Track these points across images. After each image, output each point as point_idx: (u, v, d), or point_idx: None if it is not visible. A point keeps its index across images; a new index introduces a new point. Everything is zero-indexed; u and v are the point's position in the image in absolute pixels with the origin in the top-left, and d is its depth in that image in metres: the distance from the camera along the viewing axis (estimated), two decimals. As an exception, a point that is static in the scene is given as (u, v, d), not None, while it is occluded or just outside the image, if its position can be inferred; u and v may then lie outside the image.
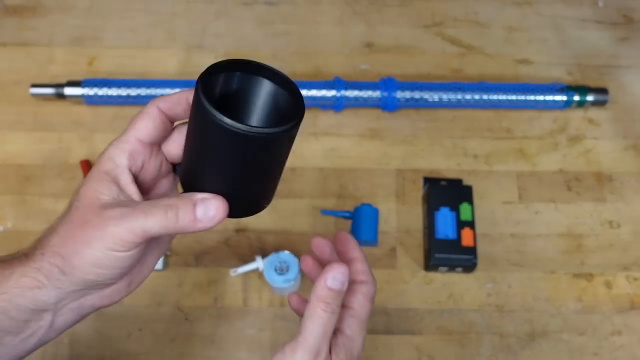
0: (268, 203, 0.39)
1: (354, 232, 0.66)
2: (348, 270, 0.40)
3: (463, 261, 0.64)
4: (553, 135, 0.75)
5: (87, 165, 0.70)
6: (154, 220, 0.34)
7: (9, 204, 0.69)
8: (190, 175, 0.37)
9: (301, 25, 0.83)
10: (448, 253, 0.63)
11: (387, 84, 0.74)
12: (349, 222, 0.68)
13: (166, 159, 0.39)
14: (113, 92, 0.73)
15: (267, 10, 0.84)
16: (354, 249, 0.47)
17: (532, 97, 0.75)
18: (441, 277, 0.66)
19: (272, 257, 0.63)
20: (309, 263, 0.49)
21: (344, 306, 0.43)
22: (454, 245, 0.64)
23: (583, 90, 0.75)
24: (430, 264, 0.64)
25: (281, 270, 0.63)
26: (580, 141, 0.75)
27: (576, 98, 0.75)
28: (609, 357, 0.63)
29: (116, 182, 0.36)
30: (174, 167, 0.40)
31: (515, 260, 0.67)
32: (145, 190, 0.39)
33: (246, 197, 0.37)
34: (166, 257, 0.66)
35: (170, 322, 0.63)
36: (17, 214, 0.69)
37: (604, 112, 0.77)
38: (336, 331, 0.41)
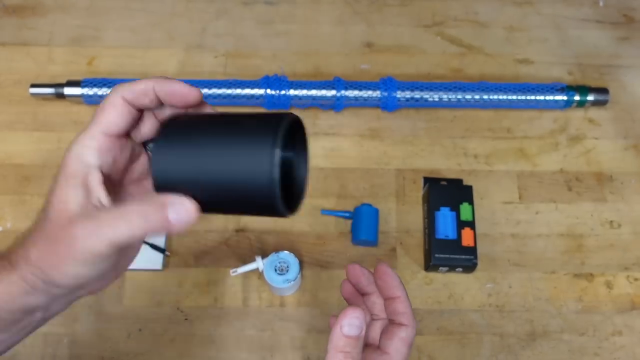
0: None
1: (354, 232, 0.66)
2: (364, 314, 0.38)
3: (463, 261, 0.64)
4: (553, 135, 0.75)
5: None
6: (122, 230, 0.33)
7: (8, 204, 0.69)
8: (177, 183, 0.34)
9: (301, 25, 0.83)
10: (448, 253, 0.63)
11: (387, 83, 0.74)
12: (349, 222, 0.68)
13: (137, 143, 0.38)
14: (113, 92, 0.73)
15: (267, 10, 0.84)
16: (395, 287, 0.43)
17: (532, 97, 0.75)
18: (441, 277, 0.66)
19: (272, 257, 0.63)
20: (348, 290, 0.46)
21: (379, 348, 0.41)
22: (454, 245, 0.64)
23: (583, 90, 0.75)
24: (430, 264, 0.64)
25: (281, 271, 0.62)
26: (580, 141, 0.75)
27: (577, 98, 0.75)
28: (610, 357, 0.62)
29: (84, 184, 0.34)
30: (144, 144, 0.39)
31: (515, 260, 0.67)
32: (118, 181, 0.38)
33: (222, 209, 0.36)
34: (166, 257, 0.66)
35: (170, 322, 0.63)
36: (17, 214, 0.69)
37: (605, 112, 0.77)
38: None
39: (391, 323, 0.42)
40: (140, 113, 0.37)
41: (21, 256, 0.35)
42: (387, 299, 0.43)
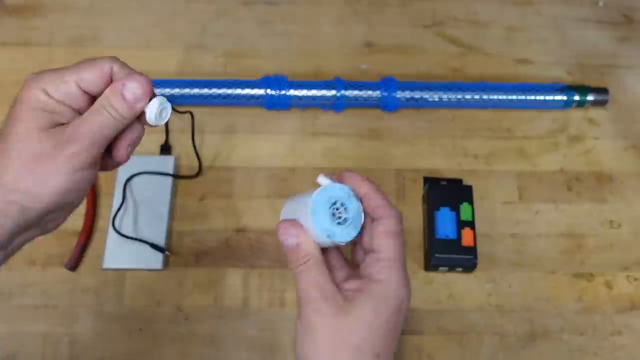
0: None
1: (354, 232, 0.66)
2: (296, 224, 0.41)
3: (463, 261, 0.64)
4: (553, 135, 0.75)
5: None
6: (100, 124, 0.37)
7: (8, 204, 0.69)
8: None
9: (301, 25, 0.83)
10: (448, 253, 0.63)
11: (387, 84, 0.74)
12: (349, 222, 0.68)
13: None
14: (113, 92, 0.73)
15: (267, 10, 0.84)
16: (361, 184, 0.41)
17: (532, 97, 0.75)
18: (441, 277, 0.66)
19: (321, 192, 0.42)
20: None
21: (367, 251, 0.41)
22: (454, 245, 0.64)
23: (583, 90, 0.75)
24: (430, 264, 0.64)
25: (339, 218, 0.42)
26: (580, 141, 0.75)
27: (576, 98, 0.75)
28: (609, 357, 0.63)
29: (51, 113, 0.37)
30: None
31: (515, 260, 0.67)
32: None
33: None
34: (166, 257, 0.66)
35: (170, 322, 0.63)
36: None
37: (604, 112, 0.77)
38: (365, 278, 0.40)
39: (372, 221, 0.42)
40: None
41: None
42: (362, 200, 0.42)
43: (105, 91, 0.37)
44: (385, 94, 0.74)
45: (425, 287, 0.66)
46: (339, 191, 0.42)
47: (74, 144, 0.36)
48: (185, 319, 0.64)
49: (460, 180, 0.70)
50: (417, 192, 0.71)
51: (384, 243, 0.40)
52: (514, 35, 0.83)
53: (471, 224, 0.65)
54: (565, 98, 0.75)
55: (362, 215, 0.42)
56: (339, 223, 0.41)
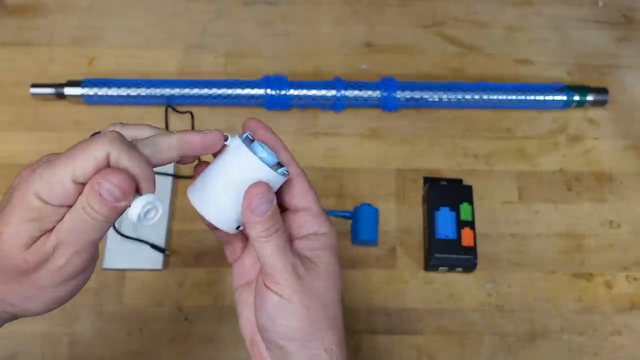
0: None
1: (354, 232, 0.66)
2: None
3: (463, 261, 0.64)
4: (553, 135, 0.75)
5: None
6: (83, 229, 0.33)
7: (9, 204, 0.69)
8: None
9: (301, 25, 0.83)
10: (448, 253, 0.63)
11: (387, 84, 0.74)
12: (348, 222, 0.68)
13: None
14: (113, 92, 0.73)
15: (267, 10, 0.84)
16: (273, 140, 0.40)
17: (532, 97, 0.75)
18: (441, 277, 0.66)
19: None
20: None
21: (295, 210, 0.40)
22: (454, 245, 0.64)
23: (583, 90, 0.75)
24: (430, 264, 0.64)
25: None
26: (580, 141, 0.75)
27: (576, 98, 0.75)
28: (609, 357, 0.63)
29: (43, 219, 0.33)
30: None
31: (515, 260, 0.67)
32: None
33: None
34: (166, 257, 0.66)
35: (170, 322, 0.63)
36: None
37: (604, 112, 0.77)
38: (312, 235, 0.40)
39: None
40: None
41: None
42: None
43: (85, 188, 0.32)
44: (385, 94, 0.74)
45: (425, 287, 0.66)
46: (245, 139, 0.38)
47: (57, 258, 0.33)
48: (185, 319, 0.64)
49: (460, 180, 0.70)
50: (417, 192, 0.71)
51: (310, 199, 0.40)
52: (514, 35, 0.83)
53: (471, 224, 0.65)
54: (565, 98, 0.75)
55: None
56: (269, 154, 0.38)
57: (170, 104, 0.74)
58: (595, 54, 0.81)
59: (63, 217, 0.33)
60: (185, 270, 0.66)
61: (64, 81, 0.74)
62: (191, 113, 0.73)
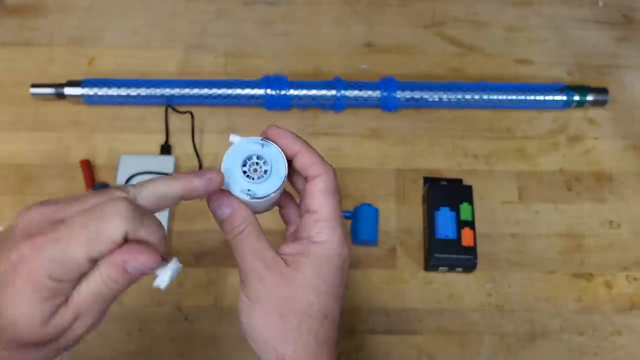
0: None
1: (354, 232, 0.66)
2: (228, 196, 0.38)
3: (463, 261, 0.64)
4: (553, 135, 0.75)
5: (87, 165, 0.70)
6: (103, 299, 0.35)
7: (8, 204, 0.69)
8: None
9: (301, 25, 0.83)
10: (448, 253, 0.63)
11: (387, 84, 0.74)
12: (348, 222, 0.68)
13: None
14: (113, 92, 0.73)
15: (267, 10, 0.84)
16: (291, 142, 0.40)
17: (532, 97, 0.75)
18: (441, 277, 0.66)
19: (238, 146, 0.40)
20: None
21: (306, 211, 0.40)
22: (454, 245, 0.64)
23: (583, 90, 0.75)
24: (430, 264, 0.64)
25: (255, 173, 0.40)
26: (580, 141, 0.75)
27: (576, 98, 0.75)
28: (609, 357, 0.63)
29: (55, 297, 0.32)
30: None
31: (515, 260, 0.67)
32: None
33: None
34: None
35: (170, 322, 0.63)
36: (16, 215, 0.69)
37: (604, 112, 0.77)
38: (304, 241, 0.39)
39: (307, 180, 0.41)
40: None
41: None
42: (293, 160, 0.40)
43: (105, 264, 0.32)
44: (385, 94, 0.74)
45: (425, 287, 0.66)
46: (251, 144, 0.39)
47: (77, 328, 0.35)
48: (185, 319, 0.64)
49: (460, 180, 0.70)
50: (417, 192, 0.71)
51: (322, 203, 0.39)
52: (514, 35, 0.83)
53: (471, 224, 0.65)
54: (565, 98, 0.75)
55: (284, 159, 0.40)
56: (259, 177, 0.39)
57: (170, 104, 0.74)
58: (595, 54, 0.81)
59: (76, 284, 0.33)
60: (185, 270, 0.66)
61: (64, 81, 0.74)
62: (191, 113, 0.73)
